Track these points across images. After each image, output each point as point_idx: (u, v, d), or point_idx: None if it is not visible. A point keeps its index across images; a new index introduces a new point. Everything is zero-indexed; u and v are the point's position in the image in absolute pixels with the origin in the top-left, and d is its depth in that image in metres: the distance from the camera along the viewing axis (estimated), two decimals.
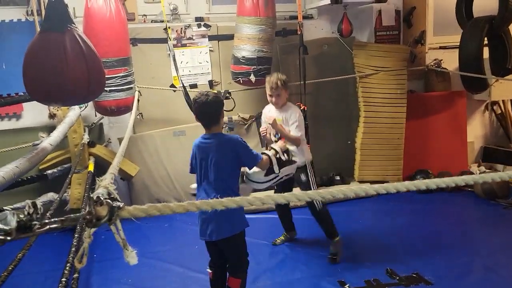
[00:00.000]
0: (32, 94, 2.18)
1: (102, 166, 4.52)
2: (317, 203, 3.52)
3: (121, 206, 0.93)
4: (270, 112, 3.60)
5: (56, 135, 2.64)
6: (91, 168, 4.18)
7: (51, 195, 4.36)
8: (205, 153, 2.68)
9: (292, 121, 3.46)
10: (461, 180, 1.47)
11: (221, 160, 2.64)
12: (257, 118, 4.93)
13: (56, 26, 2.15)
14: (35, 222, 0.85)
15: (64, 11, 2.19)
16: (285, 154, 2.97)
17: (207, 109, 2.67)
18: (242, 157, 2.70)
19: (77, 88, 2.18)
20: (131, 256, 1.03)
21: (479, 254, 3.63)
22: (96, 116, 4.37)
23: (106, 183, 1.08)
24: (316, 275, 3.40)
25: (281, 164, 2.89)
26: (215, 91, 2.83)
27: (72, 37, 2.17)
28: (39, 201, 4.34)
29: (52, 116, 4.29)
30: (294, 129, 3.45)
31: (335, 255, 3.52)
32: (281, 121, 3.49)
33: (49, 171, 4.39)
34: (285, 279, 3.37)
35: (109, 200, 0.92)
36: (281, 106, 3.52)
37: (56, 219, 0.89)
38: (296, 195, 1.36)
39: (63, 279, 2.26)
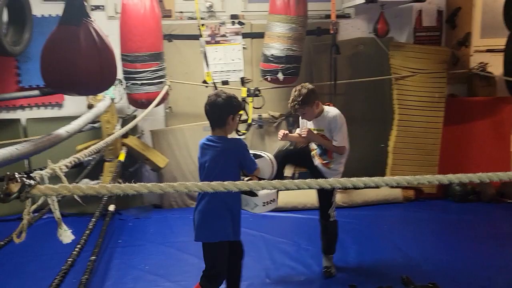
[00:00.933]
0: (48, 84, 2.33)
1: (133, 156, 4.71)
2: (331, 213, 3.33)
3: (32, 184, 0.99)
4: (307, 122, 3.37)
5: (76, 124, 2.77)
6: (121, 157, 4.37)
7: (85, 181, 4.60)
8: (207, 156, 2.61)
9: (334, 128, 3.20)
10: (506, 176, 1.35)
11: (225, 164, 2.58)
12: (287, 117, 4.93)
13: (72, 20, 2.28)
14: None
15: (80, 6, 2.31)
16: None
17: (214, 110, 2.59)
18: (243, 161, 2.62)
19: (89, 79, 2.30)
20: (65, 235, 1.09)
21: (505, 271, 3.43)
22: (129, 108, 4.55)
23: (56, 165, 1.15)
24: (328, 277, 3.36)
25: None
26: (232, 94, 2.74)
27: (86, 30, 2.29)
28: None
29: (90, 106, 4.52)
30: (337, 136, 3.19)
31: (329, 268, 3.37)
32: (323, 131, 3.26)
33: (86, 159, 4.62)
34: (296, 279, 3.36)
35: (24, 178, 0.98)
36: (315, 117, 3.26)
37: None
38: (318, 182, 1.28)
39: (69, 259, 2.38)
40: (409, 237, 4.09)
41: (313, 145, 3.40)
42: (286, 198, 4.70)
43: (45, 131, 4.36)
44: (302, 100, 3.11)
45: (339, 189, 4.00)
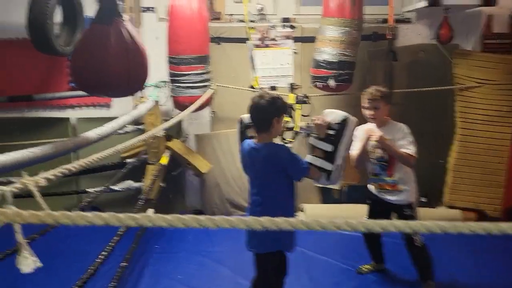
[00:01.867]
0: (76, 83, 2.26)
1: (176, 160, 4.64)
2: (417, 238, 3.05)
3: None
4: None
5: (109, 126, 2.69)
6: (163, 161, 4.30)
7: (128, 183, 4.58)
8: (252, 162, 2.52)
9: (405, 134, 3.05)
10: None
11: (268, 173, 2.47)
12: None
13: (104, 19, 2.20)
14: None
15: (112, 5, 2.22)
16: (329, 131, 2.55)
17: (258, 113, 2.48)
18: (288, 170, 2.49)
19: (117, 80, 2.20)
20: (24, 263, 0.93)
21: None
22: (173, 111, 4.49)
23: (31, 179, 1.01)
24: None
25: (331, 155, 2.50)
26: (277, 94, 2.62)
27: (117, 30, 2.19)
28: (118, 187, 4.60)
29: (135, 108, 4.50)
30: (408, 145, 2.99)
31: None
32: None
33: (129, 160, 4.61)
34: None
35: None
36: (382, 124, 3.10)
37: None
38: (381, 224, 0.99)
39: (91, 268, 2.29)
40: (466, 265, 3.68)
41: (369, 166, 3.17)
42: (332, 212, 4.44)
43: None
44: (384, 93, 3.06)
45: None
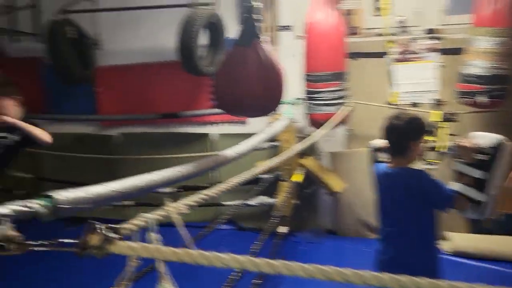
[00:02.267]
0: (215, 102, 2.35)
1: (310, 178, 4.59)
2: None
3: (112, 239, 0.83)
4: None
5: (248, 144, 2.77)
6: (296, 178, 4.28)
7: (261, 198, 4.67)
8: (387, 189, 2.32)
9: None
10: None
11: (406, 202, 2.23)
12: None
13: (243, 41, 2.26)
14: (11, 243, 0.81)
15: (251, 27, 2.27)
16: (479, 156, 2.16)
17: (393, 135, 2.28)
18: (430, 197, 2.22)
19: (252, 101, 2.23)
20: None
21: None
22: (307, 128, 4.46)
23: (173, 205, 1.00)
24: None
25: (482, 183, 2.14)
26: (416, 115, 2.40)
27: (255, 51, 2.23)
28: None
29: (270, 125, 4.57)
30: None
31: None
32: None
33: (264, 176, 4.69)
34: None
35: (104, 231, 0.82)
36: None
37: (44, 242, 0.85)
38: None
39: (227, 284, 2.33)
40: None
41: None
42: (482, 245, 3.96)
43: (230, 146, 4.64)
44: None
45: None
